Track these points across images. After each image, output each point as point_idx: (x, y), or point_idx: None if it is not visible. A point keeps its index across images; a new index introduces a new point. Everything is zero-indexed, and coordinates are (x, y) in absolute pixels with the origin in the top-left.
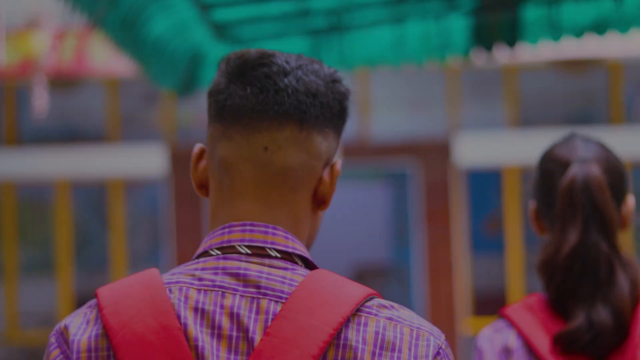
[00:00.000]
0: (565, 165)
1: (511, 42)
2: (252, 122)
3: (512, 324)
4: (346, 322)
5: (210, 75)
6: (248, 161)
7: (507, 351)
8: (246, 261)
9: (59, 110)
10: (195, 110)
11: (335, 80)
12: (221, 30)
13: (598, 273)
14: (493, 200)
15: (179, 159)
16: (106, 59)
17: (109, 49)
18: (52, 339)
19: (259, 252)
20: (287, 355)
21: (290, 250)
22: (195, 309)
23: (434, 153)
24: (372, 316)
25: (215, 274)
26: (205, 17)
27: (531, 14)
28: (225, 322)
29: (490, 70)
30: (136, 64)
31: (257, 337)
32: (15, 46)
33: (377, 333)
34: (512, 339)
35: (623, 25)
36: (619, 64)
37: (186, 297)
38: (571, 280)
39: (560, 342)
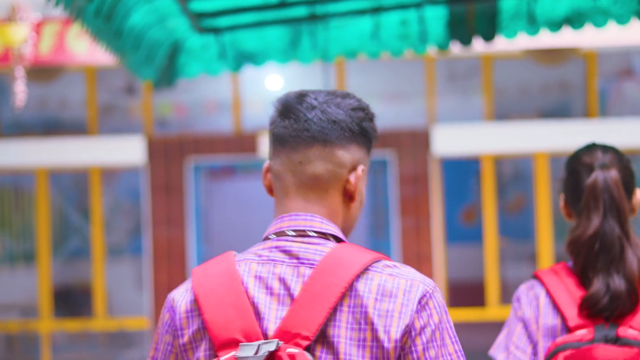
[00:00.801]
0: (589, 167)
1: (488, 35)
2: (291, 144)
3: (542, 283)
4: (357, 278)
5: (188, 66)
6: (290, 172)
7: (537, 306)
8: (292, 241)
9: (38, 100)
10: (173, 101)
11: (355, 109)
12: (199, 21)
13: (613, 250)
14: (470, 190)
15: (156, 150)
16: (85, 49)
17: (87, 39)
18: (164, 306)
19: (301, 234)
20: (315, 303)
21: (324, 230)
22: (255, 276)
23: (412, 143)
24: (377, 273)
25: (270, 251)
26: (184, 7)
27: (508, 6)
28: (276, 284)
29: (467, 60)
30: (114, 54)
31: (297, 293)
32: None
33: (379, 285)
34: (542, 296)
35: (599, 18)
36: (594, 53)
37: (249, 269)
38: (593, 255)
39: (585, 305)
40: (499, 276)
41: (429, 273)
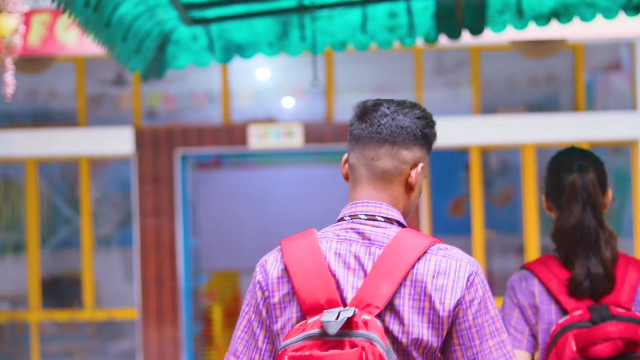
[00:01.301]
0: (569, 169)
1: (477, 29)
2: (365, 144)
3: (533, 273)
4: (418, 259)
5: (176, 57)
6: (363, 166)
7: (532, 294)
8: (363, 224)
9: (27, 91)
10: (162, 92)
11: (419, 117)
12: (188, 12)
13: (590, 238)
14: (458, 182)
15: (145, 141)
16: (75, 40)
17: (77, 30)
18: (258, 268)
19: (371, 218)
20: (384, 279)
21: (389, 216)
22: (335, 253)
23: None
24: (433, 255)
25: (347, 232)
26: None
27: (495, 1)
28: (352, 260)
29: (456, 51)
30: (103, 45)
31: (369, 269)
32: None
33: (435, 265)
34: (535, 286)
35: (587, 12)
36: (582, 46)
37: (330, 246)
38: (574, 243)
39: (571, 286)
40: (486, 268)
41: None
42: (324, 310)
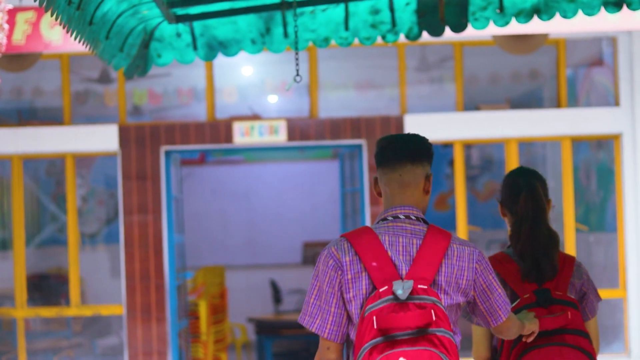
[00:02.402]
0: (522, 184)
1: (459, 26)
2: (392, 165)
3: (500, 276)
4: (449, 245)
5: (160, 55)
6: (394, 181)
7: None
8: (403, 222)
9: (12, 89)
10: (147, 89)
11: (426, 141)
12: (172, 9)
13: (539, 238)
14: (442, 178)
15: (130, 138)
16: (60, 37)
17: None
18: (328, 256)
19: (408, 217)
20: (426, 260)
21: (419, 216)
22: (389, 243)
23: (384, 131)
24: (454, 244)
25: (394, 228)
26: None
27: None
28: (401, 248)
29: (438, 48)
30: (87, 43)
31: (414, 253)
32: None
33: (457, 251)
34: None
35: (568, 8)
36: (564, 41)
37: (385, 239)
38: (528, 241)
39: (524, 276)
40: None
41: None
42: (393, 282)
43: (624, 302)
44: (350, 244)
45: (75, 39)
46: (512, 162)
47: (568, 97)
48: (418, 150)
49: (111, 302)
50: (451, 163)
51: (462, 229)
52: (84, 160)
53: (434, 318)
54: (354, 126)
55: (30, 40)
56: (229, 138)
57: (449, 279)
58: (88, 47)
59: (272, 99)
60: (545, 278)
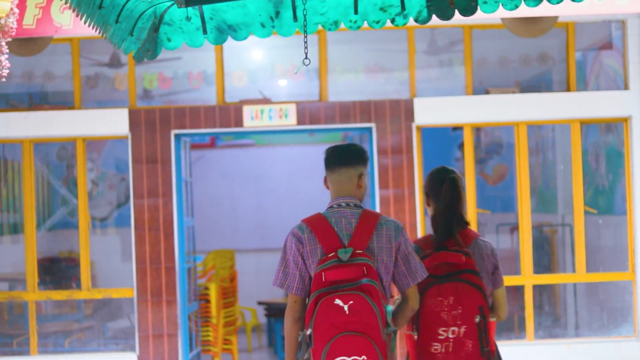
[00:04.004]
0: (444, 177)
1: (468, 10)
2: (333, 168)
3: (419, 245)
4: (377, 222)
5: (170, 38)
6: (336, 179)
7: (416, 251)
8: (344, 208)
9: (23, 73)
10: (157, 73)
11: (360, 149)
12: None
13: (452, 219)
14: (452, 161)
15: (140, 122)
16: (70, 21)
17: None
18: (292, 235)
19: (347, 205)
20: (361, 233)
21: (356, 203)
22: (335, 223)
23: (393, 114)
24: (383, 219)
25: (338, 213)
26: None
27: None
28: (343, 226)
29: (448, 31)
30: (97, 27)
31: (353, 229)
32: None
33: (385, 224)
34: (417, 248)
35: None
36: (573, 24)
37: (332, 220)
38: (441, 221)
39: (434, 246)
40: None
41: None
42: (337, 249)
43: (633, 284)
44: (307, 226)
45: (85, 22)
46: (522, 145)
47: (577, 80)
48: (352, 157)
49: (122, 285)
50: (460, 146)
51: (471, 212)
52: (94, 144)
53: (365, 272)
54: (364, 110)
55: (40, 24)
56: (238, 122)
57: (379, 245)
58: (98, 31)
59: (282, 82)
60: (446, 241)
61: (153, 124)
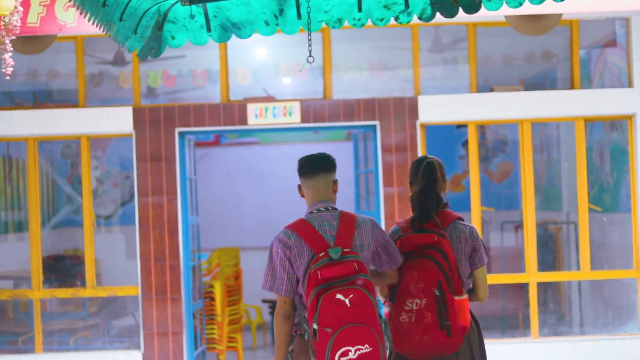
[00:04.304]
0: (423, 161)
1: (472, 7)
2: (309, 176)
3: (400, 227)
4: (356, 221)
5: (174, 36)
6: (313, 186)
7: (395, 232)
8: (324, 212)
9: (27, 71)
10: (161, 71)
11: (332, 158)
12: None
13: (428, 199)
14: (456, 158)
15: (145, 120)
16: (74, 19)
17: (75, 10)
18: (277, 240)
19: (326, 209)
20: (345, 233)
21: (333, 206)
22: (318, 226)
23: (397, 112)
24: (360, 217)
25: (319, 217)
26: None
27: None
28: (326, 228)
29: (452, 29)
30: (100, 25)
31: (335, 230)
32: None
33: (362, 222)
34: (397, 229)
35: None
36: (577, 21)
37: (315, 224)
38: (418, 200)
39: (411, 223)
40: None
41: None
42: (327, 249)
43: (637, 282)
44: (293, 231)
45: (89, 21)
46: (526, 143)
47: (581, 77)
48: (327, 165)
49: (126, 283)
50: (465, 144)
51: (475, 210)
52: (98, 142)
53: (356, 268)
54: (368, 107)
55: (44, 23)
56: (243, 120)
57: (361, 242)
58: (102, 29)
59: (286, 80)
60: (425, 223)
61: (157, 122)
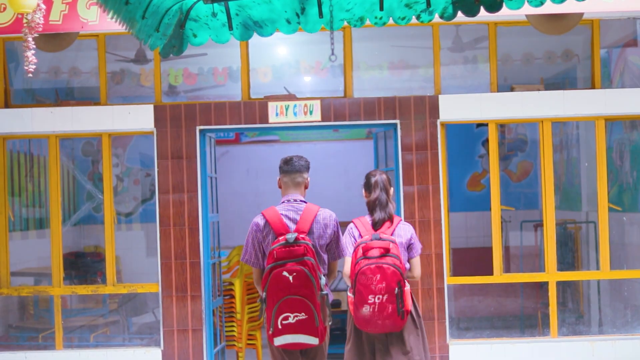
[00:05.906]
0: (375, 175)
1: (494, 6)
2: (287, 173)
3: (355, 226)
4: (317, 214)
5: (196, 34)
6: (289, 182)
7: (353, 232)
8: (292, 203)
9: (50, 68)
10: (182, 69)
11: (306, 160)
12: None
13: (383, 205)
14: (477, 156)
15: (166, 117)
16: (96, 17)
17: (97, 7)
18: (253, 224)
19: (295, 200)
20: (304, 222)
21: (302, 200)
22: (283, 214)
23: (418, 111)
24: (322, 210)
25: (288, 207)
26: None
27: None
28: (291, 216)
29: (473, 28)
30: (123, 23)
31: (298, 218)
32: (6, 6)
33: (322, 214)
34: (354, 229)
35: None
36: (598, 21)
37: (282, 212)
38: (374, 207)
39: (373, 225)
40: (500, 244)
41: (438, 239)
42: (286, 234)
43: None
44: (263, 216)
45: (111, 18)
46: (546, 142)
47: (602, 77)
48: (302, 166)
49: (147, 280)
50: (485, 143)
51: (495, 209)
52: (119, 140)
53: (305, 251)
54: (388, 106)
55: (67, 20)
56: (263, 118)
57: (318, 231)
58: (124, 26)
59: (307, 78)
60: (381, 229)
61: (178, 119)
